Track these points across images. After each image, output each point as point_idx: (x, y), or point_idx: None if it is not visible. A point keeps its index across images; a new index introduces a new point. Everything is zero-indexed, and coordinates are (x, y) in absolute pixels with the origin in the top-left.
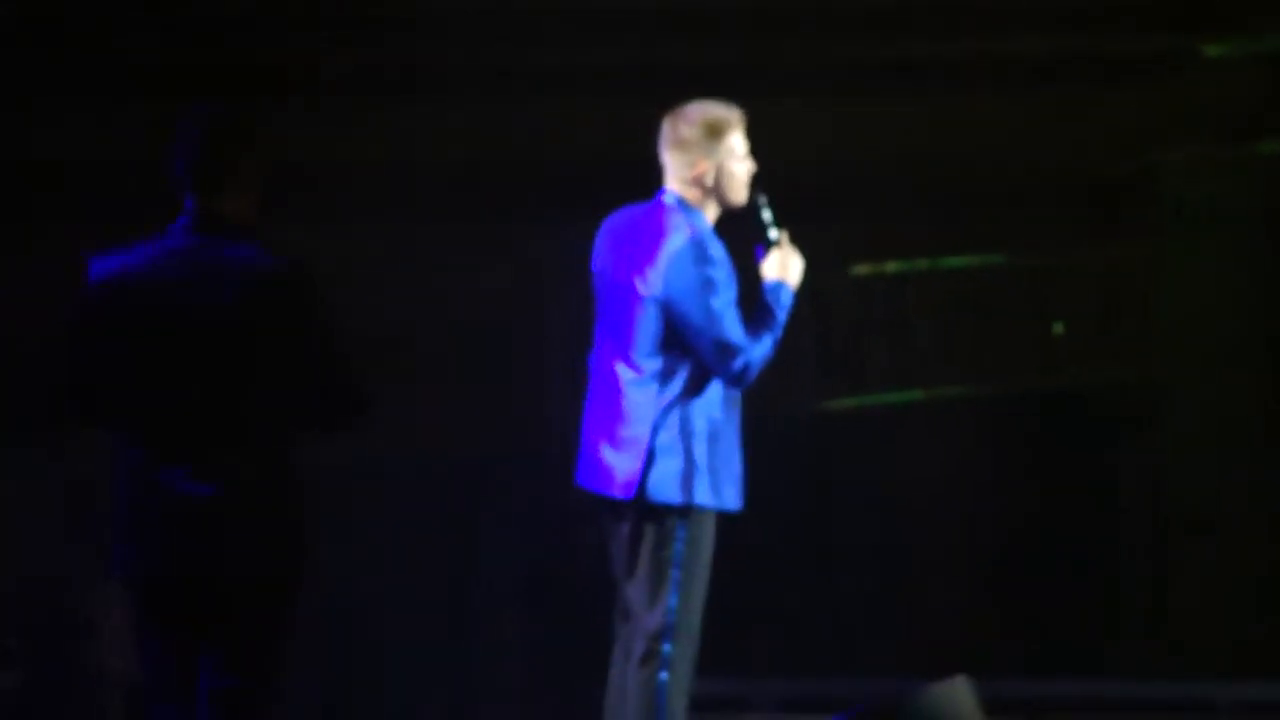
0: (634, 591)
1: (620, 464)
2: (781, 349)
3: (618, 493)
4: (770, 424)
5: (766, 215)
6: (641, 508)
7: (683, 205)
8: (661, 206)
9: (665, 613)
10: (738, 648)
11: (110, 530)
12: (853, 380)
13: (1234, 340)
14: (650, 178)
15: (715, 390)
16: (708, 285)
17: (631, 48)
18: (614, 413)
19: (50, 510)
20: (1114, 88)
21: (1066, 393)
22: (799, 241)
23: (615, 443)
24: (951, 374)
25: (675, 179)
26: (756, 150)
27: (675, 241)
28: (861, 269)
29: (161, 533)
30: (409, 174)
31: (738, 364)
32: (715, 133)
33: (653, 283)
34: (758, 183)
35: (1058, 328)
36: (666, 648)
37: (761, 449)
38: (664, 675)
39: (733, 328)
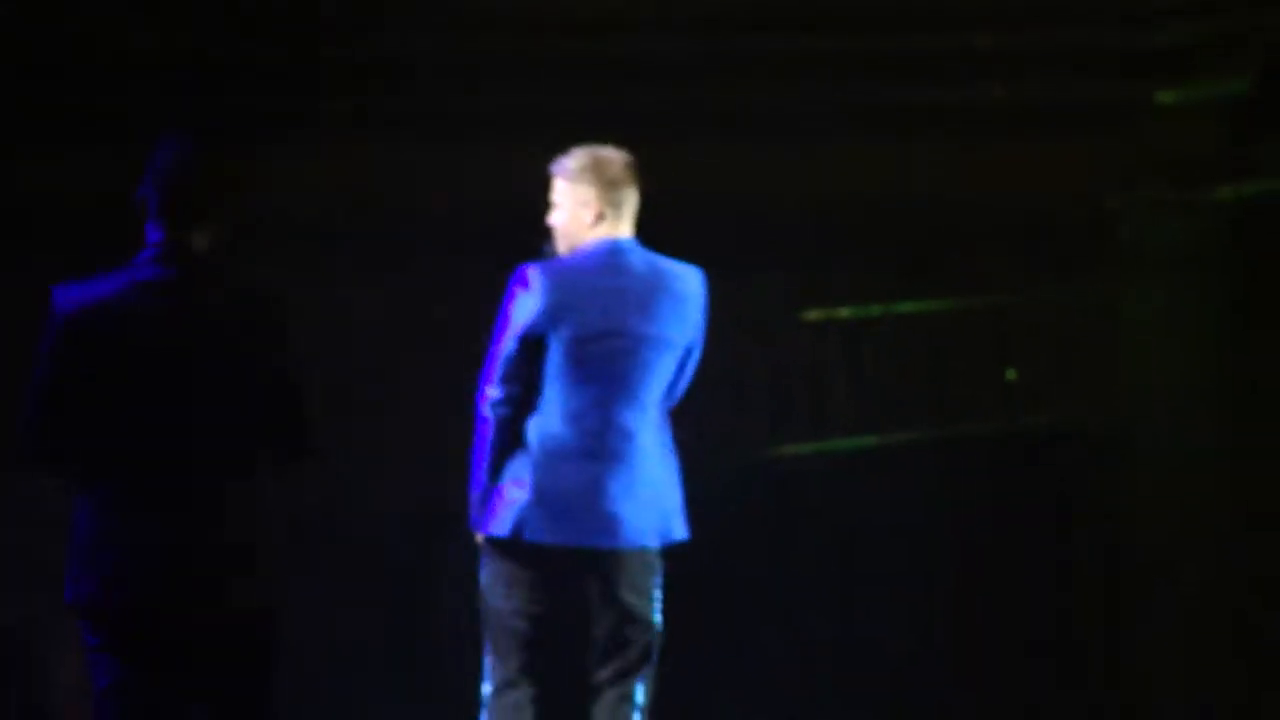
0: (633, 633)
1: (652, 511)
2: (736, 395)
3: (647, 540)
4: (725, 469)
5: None
6: (656, 553)
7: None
8: (638, 253)
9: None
10: (688, 694)
11: (71, 565)
12: (807, 426)
13: (1191, 384)
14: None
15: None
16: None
17: (579, 93)
18: (653, 457)
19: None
20: (1070, 133)
21: (1023, 437)
22: (751, 286)
23: (644, 492)
24: (907, 419)
25: (631, 219)
26: (712, 191)
27: (700, 283)
28: (814, 314)
29: (135, 565)
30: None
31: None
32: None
33: (692, 327)
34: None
35: (1011, 373)
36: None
37: (716, 494)
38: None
39: None
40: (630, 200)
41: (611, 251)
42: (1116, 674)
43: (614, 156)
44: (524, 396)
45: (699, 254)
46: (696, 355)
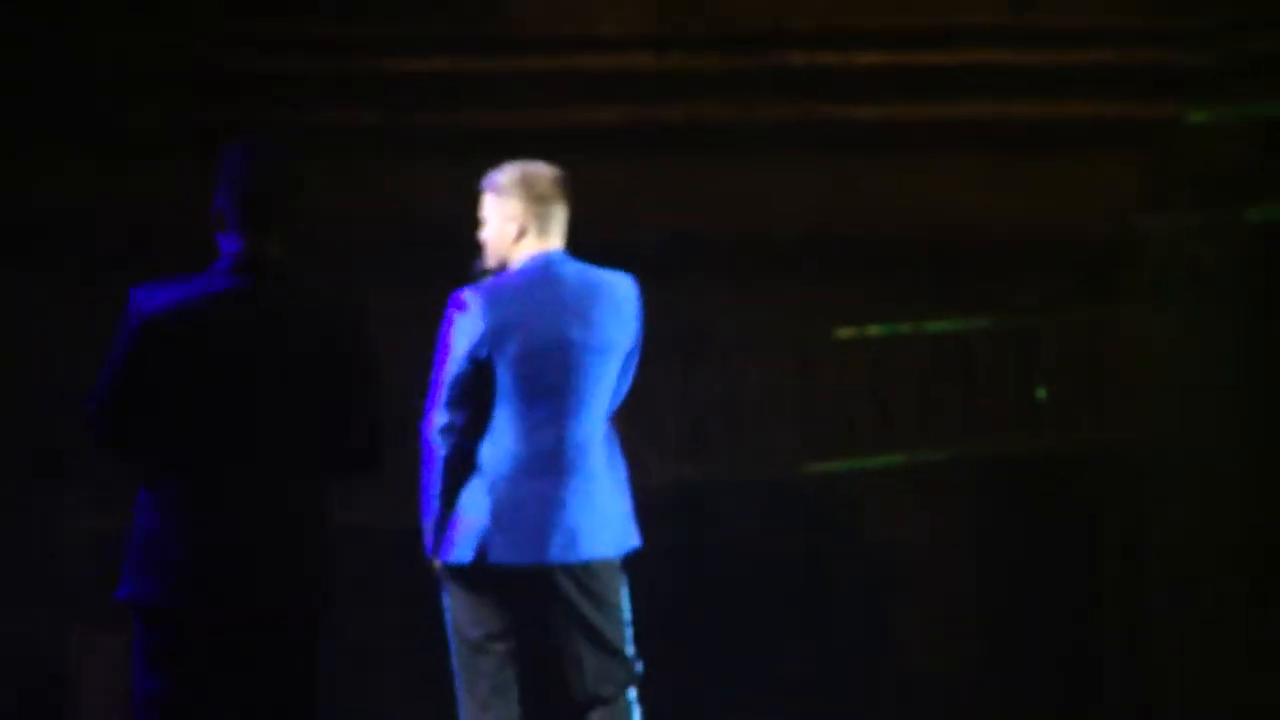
0: (609, 669)
1: (609, 521)
2: (765, 412)
3: (608, 551)
4: (755, 487)
5: None
6: (619, 562)
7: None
8: (571, 264)
9: (637, 673)
10: (718, 708)
11: (129, 563)
12: (836, 444)
13: (1219, 405)
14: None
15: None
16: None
17: (584, 110)
18: (591, 470)
19: (22, 563)
20: (1100, 152)
21: (1050, 457)
22: (782, 303)
23: (608, 497)
24: (935, 438)
25: (563, 232)
26: (744, 209)
27: (632, 287)
28: (844, 332)
29: (197, 565)
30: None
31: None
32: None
33: (632, 333)
34: None
35: (1041, 393)
36: None
37: (744, 512)
38: None
39: None
40: (559, 215)
41: (544, 265)
42: (1142, 694)
43: (542, 171)
44: (473, 420)
45: (729, 272)
46: (636, 360)
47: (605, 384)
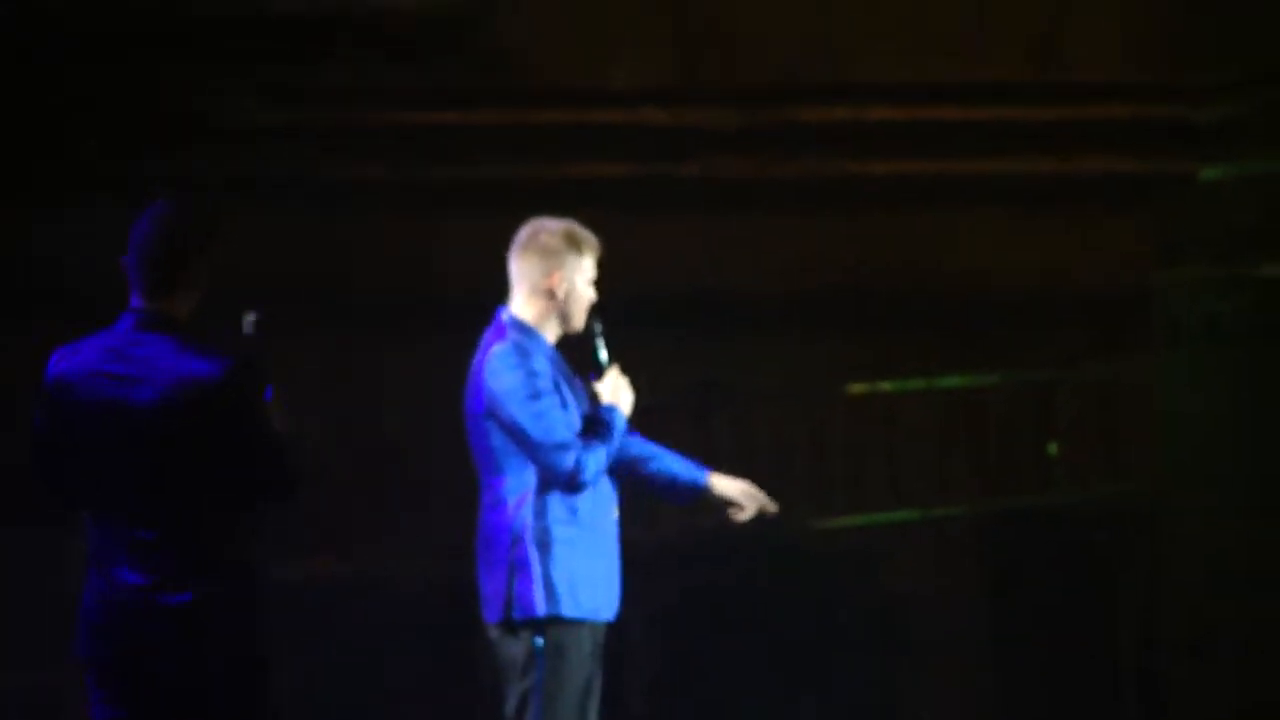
0: (505, 709)
1: (488, 585)
2: (776, 467)
3: (489, 615)
4: (765, 541)
5: (600, 344)
6: (508, 627)
7: (516, 324)
8: (496, 325)
9: None
10: None
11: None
12: (848, 499)
13: (1232, 458)
14: None
15: (567, 501)
16: (528, 386)
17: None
18: (481, 537)
19: (44, 616)
20: (1113, 209)
21: (1063, 512)
22: (795, 358)
23: (484, 566)
24: (947, 493)
25: (524, 289)
26: (757, 264)
27: (496, 350)
28: (856, 387)
29: (105, 621)
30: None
31: (568, 461)
32: (575, 246)
33: (481, 397)
34: (595, 312)
35: (1052, 448)
36: None
37: (755, 567)
38: None
39: (558, 427)
40: (516, 271)
41: (493, 322)
42: None
43: (528, 226)
44: None
45: (742, 327)
46: (509, 421)
47: (476, 451)
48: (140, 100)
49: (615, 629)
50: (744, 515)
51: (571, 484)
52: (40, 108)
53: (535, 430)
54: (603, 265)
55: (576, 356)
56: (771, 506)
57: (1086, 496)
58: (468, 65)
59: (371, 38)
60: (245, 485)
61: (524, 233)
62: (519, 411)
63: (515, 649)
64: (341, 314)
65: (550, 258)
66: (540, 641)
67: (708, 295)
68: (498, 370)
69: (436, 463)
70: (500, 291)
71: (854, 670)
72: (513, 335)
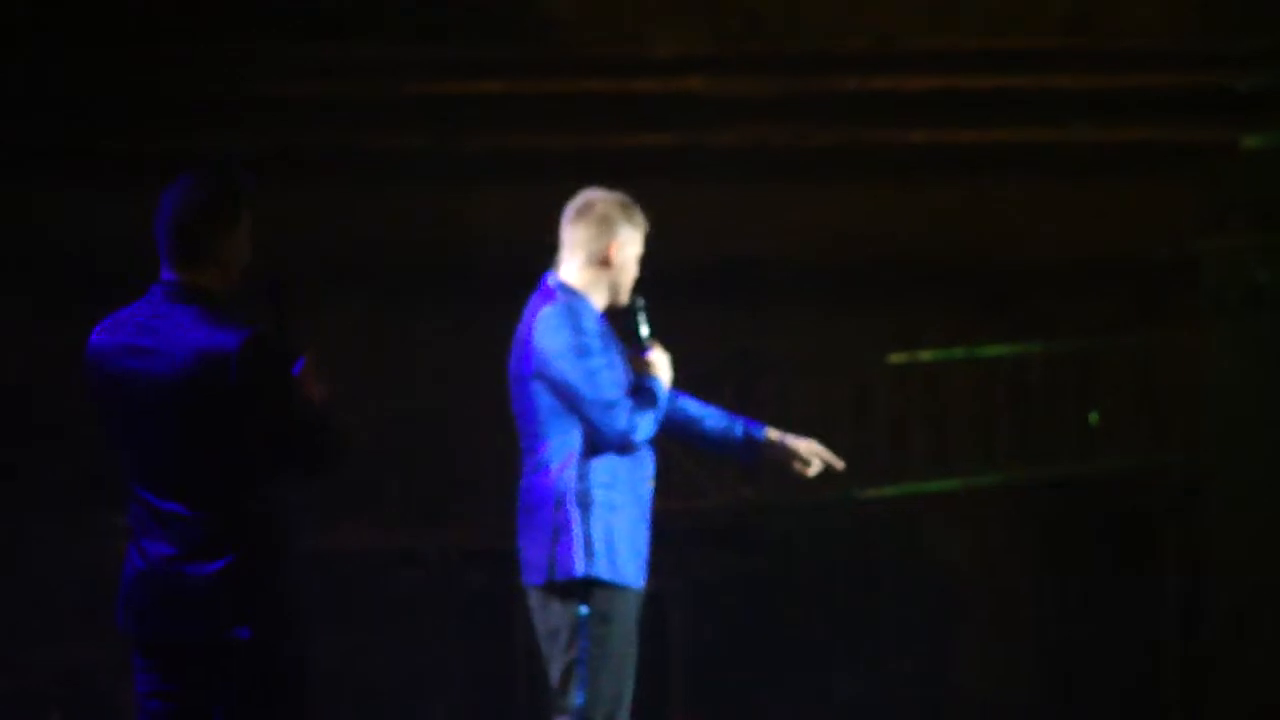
0: (550, 671)
1: (530, 550)
2: (818, 437)
3: (531, 578)
4: (807, 513)
5: (642, 319)
6: (551, 591)
7: (565, 288)
8: (543, 289)
9: (574, 712)
10: None
11: None
12: (890, 469)
13: (1275, 426)
14: None
15: (609, 465)
16: (580, 347)
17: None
18: (523, 502)
19: (92, 589)
20: (1156, 177)
21: (1105, 480)
22: (837, 327)
23: (526, 530)
24: (989, 461)
25: (579, 256)
26: (797, 234)
27: (546, 310)
28: (898, 356)
29: (134, 591)
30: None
31: (620, 420)
32: (631, 219)
33: (530, 358)
34: (637, 288)
35: (1094, 417)
36: None
37: (798, 536)
38: None
39: (609, 385)
40: (569, 240)
41: (539, 288)
42: (1201, 716)
43: (577, 198)
44: None
45: (783, 296)
46: (560, 380)
47: (521, 413)
48: (181, 76)
49: (656, 602)
50: (810, 470)
51: (622, 443)
52: (85, 86)
53: (587, 388)
54: (647, 240)
55: (618, 330)
56: (837, 462)
57: (1129, 465)
58: (508, 35)
59: (412, 8)
60: (269, 459)
61: (581, 201)
62: (570, 370)
63: (558, 615)
64: (380, 284)
65: (609, 227)
66: (585, 610)
67: (748, 264)
68: (548, 329)
69: (473, 431)
70: (538, 260)
71: (896, 640)
72: (562, 297)
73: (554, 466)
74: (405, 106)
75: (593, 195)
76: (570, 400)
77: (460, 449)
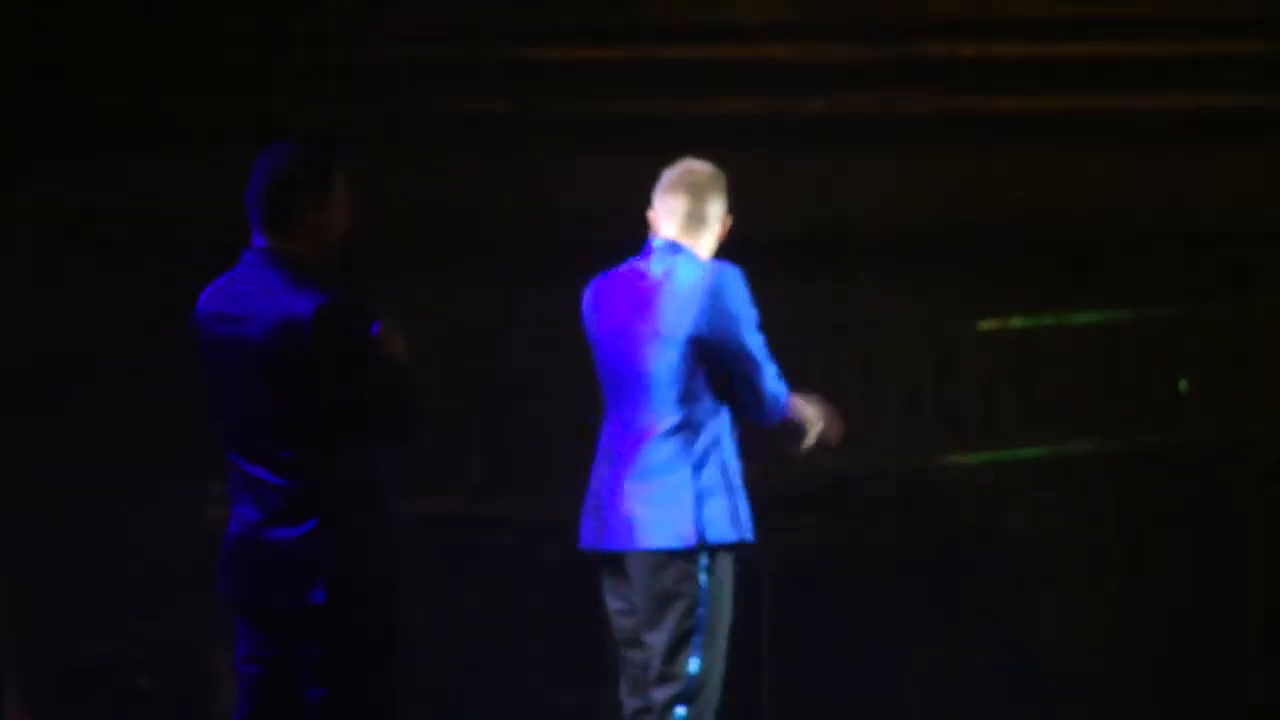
0: (654, 640)
1: (655, 513)
2: (906, 404)
3: (648, 542)
4: (893, 479)
5: None
6: (674, 555)
7: (689, 251)
8: (676, 249)
9: (685, 679)
10: (859, 698)
11: None
12: (977, 436)
13: None
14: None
15: (735, 430)
16: (756, 315)
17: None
18: (644, 464)
19: (188, 554)
20: (1248, 143)
21: (1194, 449)
22: (924, 295)
23: (646, 493)
24: (1077, 430)
25: (694, 225)
26: (884, 201)
27: (726, 272)
28: (987, 324)
29: (228, 556)
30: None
31: (783, 391)
32: (724, 186)
33: (694, 319)
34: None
35: (1183, 385)
36: (680, 711)
37: (885, 504)
38: None
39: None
40: (676, 207)
41: (646, 252)
42: None
43: (679, 166)
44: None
45: (871, 264)
46: (728, 353)
47: (665, 374)
48: (261, 43)
49: (747, 569)
50: (804, 443)
51: (775, 413)
52: (168, 55)
53: (762, 356)
54: (732, 208)
55: None
56: (835, 440)
57: (1217, 434)
58: (594, 1)
59: None
60: (350, 425)
61: (682, 168)
62: (749, 336)
63: (678, 580)
64: (464, 250)
65: (710, 195)
66: (705, 579)
67: (833, 232)
68: (733, 293)
69: (557, 398)
70: (621, 227)
71: (983, 607)
72: (711, 262)
73: (695, 429)
74: (488, 72)
75: (693, 163)
76: (737, 365)
77: (545, 417)
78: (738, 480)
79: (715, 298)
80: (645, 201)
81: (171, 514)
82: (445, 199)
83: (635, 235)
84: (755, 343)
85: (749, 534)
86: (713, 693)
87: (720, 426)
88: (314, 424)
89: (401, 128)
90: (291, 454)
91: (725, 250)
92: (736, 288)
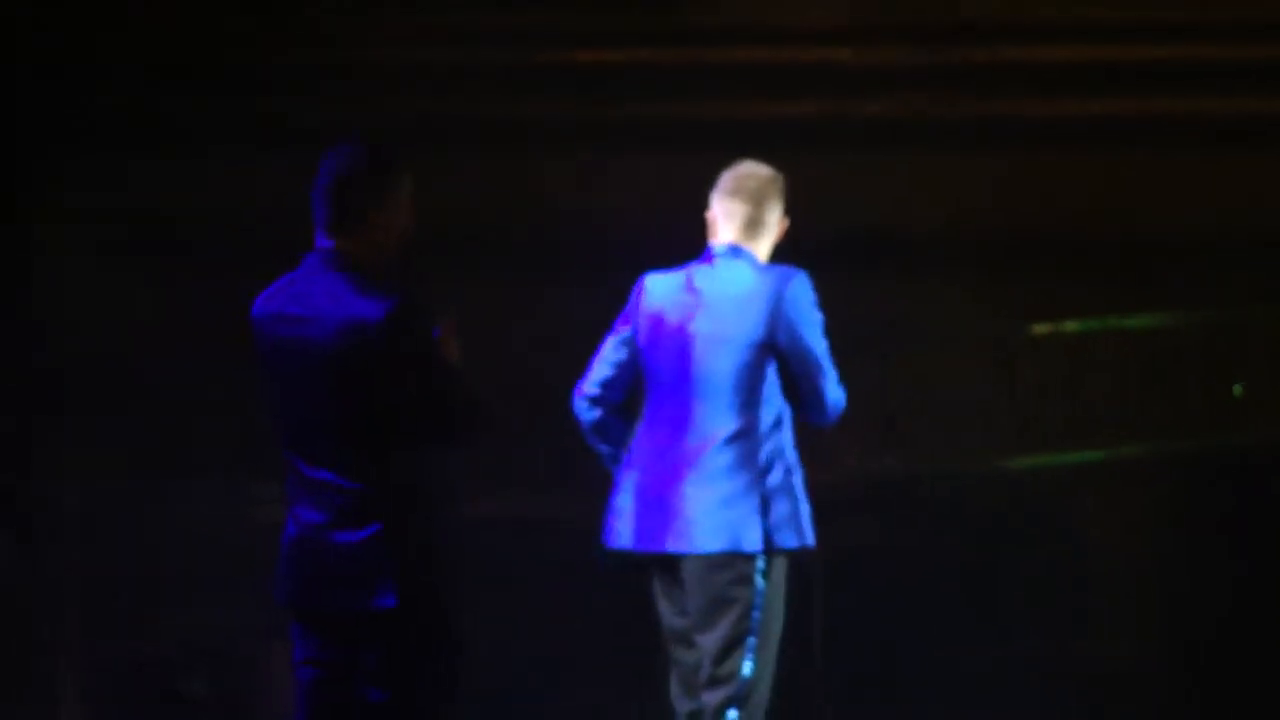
0: (706, 642)
1: (713, 517)
2: (958, 407)
3: (706, 545)
4: (947, 482)
5: None
6: (732, 558)
7: (751, 254)
8: (738, 252)
9: (737, 682)
10: (910, 701)
11: None
12: (1032, 439)
13: None
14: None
15: (793, 431)
16: (818, 320)
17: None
18: (705, 468)
19: (240, 554)
20: None
21: (1248, 453)
22: (979, 298)
23: (707, 497)
24: (1131, 433)
25: (754, 229)
26: (941, 204)
27: (797, 277)
28: (1040, 327)
29: (287, 559)
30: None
31: (843, 398)
32: (783, 189)
33: (758, 322)
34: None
35: (1238, 389)
36: (732, 714)
37: (939, 507)
38: None
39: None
40: (735, 211)
41: (707, 256)
42: None
43: (738, 169)
44: (618, 399)
45: (926, 267)
46: (796, 358)
47: (731, 378)
48: (313, 44)
49: (799, 570)
50: None
51: (835, 417)
52: (215, 58)
53: (827, 362)
54: (791, 210)
55: None
56: None
57: (1271, 439)
58: (654, 4)
59: None
60: (416, 427)
61: (742, 171)
62: (818, 341)
63: (733, 584)
64: (515, 252)
65: (770, 198)
66: (762, 583)
67: (890, 234)
68: (802, 297)
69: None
70: (679, 230)
71: (1035, 610)
72: (778, 269)
73: (760, 433)
74: (546, 75)
75: (752, 166)
76: (804, 369)
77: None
78: (800, 485)
79: (784, 302)
80: (702, 204)
81: (224, 515)
82: (496, 201)
83: (694, 239)
84: (821, 347)
85: (810, 540)
86: (764, 695)
87: (784, 430)
88: (380, 426)
89: (453, 131)
90: (355, 457)
91: (780, 252)
92: (805, 291)
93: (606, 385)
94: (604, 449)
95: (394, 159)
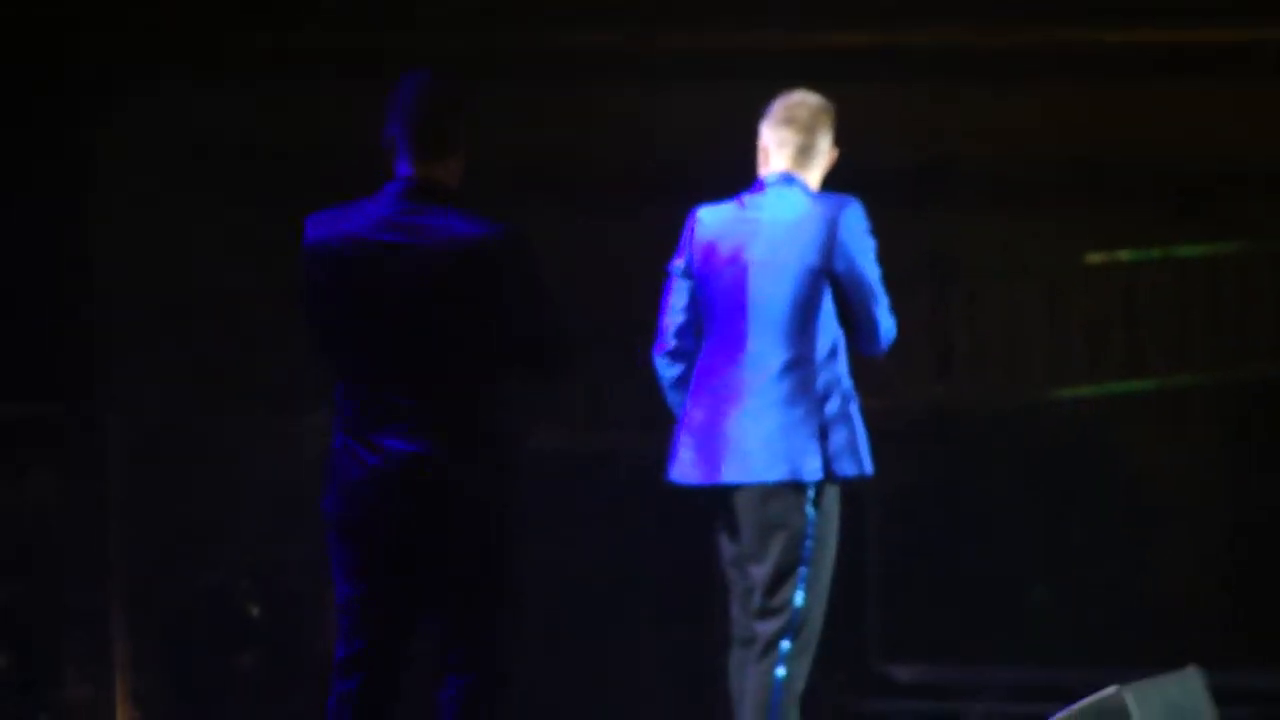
0: (758, 573)
1: (770, 446)
2: (1013, 339)
3: (763, 475)
4: (1001, 413)
5: None
6: (786, 488)
7: (802, 183)
8: (790, 180)
9: (789, 612)
10: (966, 634)
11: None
12: (1085, 368)
13: None
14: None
15: (848, 360)
16: (871, 247)
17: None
18: (762, 398)
19: (292, 485)
20: None
21: None
22: (1032, 229)
23: (763, 426)
24: (1184, 362)
25: (805, 158)
26: (993, 135)
27: (852, 206)
28: (1095, 257)
29: (359, 485)
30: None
31: (894, 325)
32: (834, 118)
33: (807, 256)
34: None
35: None
36: (785, 645)
37: (992, 438)
38: (780, 671)
39: None
40: (787, 139)
41: (759, 185)
42: None
43: (789, 98)
44: (691, 337)
45: (979, 198)
46: (860, 278)
47: (786, 306)
48: None
49: (853, 501)
50: None
51: (887, 345)
52: None
53: (881, 289)
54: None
55: None
56: None
57: None
58: None
59: None
60: (519, 357)
61: (793, 100)
62: (873, 269)
63: (787, 513)
64: (569, 187)
65: (832, 128)
66: (812, 511)
67: (941, 166)
68: (855, 224)
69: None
70: (731, 160)
71: (1089, 542)
72: (834, 197)
73: (816, 362)
74: (599, 4)
75: (803, 95)
76: (858, 296)
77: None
78: (857, 412)
79: (840, 228)
80: (756, 133)
81: (284, 446)
82: (551, 134)
83: (744, 168)
84: (874, 274)
85: (868, 468)
86: (816, 627)
87: (839, 359)
88: (484, 353)
89: (507, 63)
90: (447, 383)
91: (830, 183)
92: (858, 219)
93: (681, 334)
94: (680, 403)
95: (468, 86)
